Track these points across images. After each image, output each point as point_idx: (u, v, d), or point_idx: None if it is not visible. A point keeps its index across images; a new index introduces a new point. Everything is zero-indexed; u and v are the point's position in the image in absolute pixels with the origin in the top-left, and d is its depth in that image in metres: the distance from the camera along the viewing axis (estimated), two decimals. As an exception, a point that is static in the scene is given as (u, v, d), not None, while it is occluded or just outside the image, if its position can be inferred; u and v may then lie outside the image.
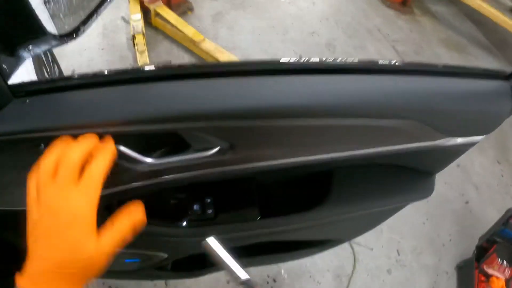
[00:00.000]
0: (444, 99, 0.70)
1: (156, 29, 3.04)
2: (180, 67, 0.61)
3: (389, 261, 2.22)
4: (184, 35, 2.85)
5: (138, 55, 2.68)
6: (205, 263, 1.22)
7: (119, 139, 0.59)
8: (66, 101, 0.57)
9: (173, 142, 0.64)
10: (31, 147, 0.59)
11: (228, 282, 1.96)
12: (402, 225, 2.36)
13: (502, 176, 2.84)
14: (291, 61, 0.63)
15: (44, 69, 1.57)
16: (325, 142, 0.73)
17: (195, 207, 0.89)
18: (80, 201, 0.49)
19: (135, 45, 2.74)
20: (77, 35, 0.57)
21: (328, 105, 0.62)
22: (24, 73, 1.21)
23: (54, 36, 0.53)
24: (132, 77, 0.59)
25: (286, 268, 2.04)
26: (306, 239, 1.16)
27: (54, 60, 1.86)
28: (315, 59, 0.64)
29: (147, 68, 0.60)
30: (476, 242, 2.36)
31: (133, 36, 2.76)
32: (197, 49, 2.84)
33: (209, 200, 0.90)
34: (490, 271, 2.19)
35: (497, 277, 2.19)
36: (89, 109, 0.56)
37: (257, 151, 0.69)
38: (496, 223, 2.18)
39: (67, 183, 0.49)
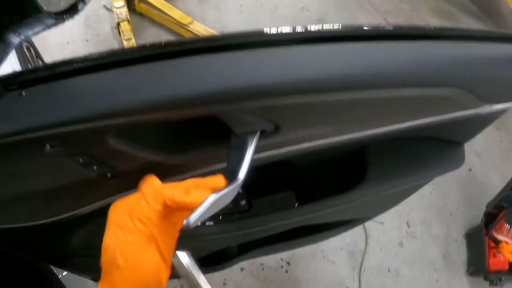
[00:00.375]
0: (488, 65, 0.66)
1: (141, 15, 2.92)
2: (216, 37, 0.52)
3: (400, 234, 2.21)
4: (171, 19, 2.74)
5: (125, 43, 2.58)
6: (223, 258, 1.17)
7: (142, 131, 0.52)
8: (75, 88, 0.47)
9: (203, 130, 0.58)
10: (34, 150, 0.50)
11: (224, 284, 1.92)
12: (410, 197, 2.34)
13: (502, 141, 2.84)
14: (335, 27, 0.56)
15: (28, 65, 1.47)
16: (370, 117, 0.67)
17: None
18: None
19: (121, 33, 2.62)
20: (76, 12, 0.46)
21: (381, 74, 0.56)
22: (10, 70, 1.12)
23: (49, 14, 0.42)
24: (158, 52, 0.48)
25: (299, 250, 2.01)
26: (338, 220, 1.11)
27: (38, 56, 1.76)
28: (360, 25, 0.58)
29: (177, 40, 0.51)
30: (482, 208, 2.36)
31: (118, 24, 2.65)
32: (186, 32, 2.74)
33: (241, 190, 0.83)
34: (499, 237, 2.20)
35: (506, 242, 2.20)
36: (108, 94, 0.46)
37: (301, 131, 0.62)
38: (503, 189, 2.18)
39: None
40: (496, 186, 2.55)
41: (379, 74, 0.55)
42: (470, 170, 2.61)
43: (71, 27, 2.80)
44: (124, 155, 0.53)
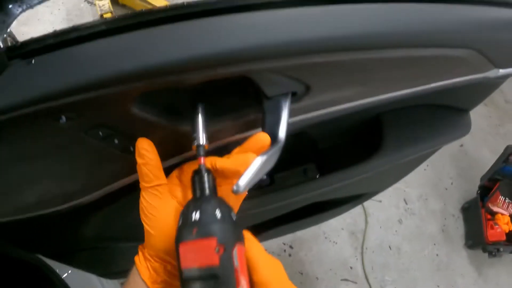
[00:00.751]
0: (503, 29, 0.67)
1: (124, 6, 2.85)
2: None
3: (398, 211, 2.23)
4: (156, 9, 2.70)
5: (110, 35, 2.52)
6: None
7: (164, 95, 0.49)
8: (95, 50, 0.43)
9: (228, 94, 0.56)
10: (48, 124, 0.46)
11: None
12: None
13: (490, 116, 2.88)
14: None
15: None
16: (392, 78, 0.67)
17: None
18: None
19: (105, 25, 2.57)
20: None
21: (405, 33, 0.55)
22: None
23: None
24: (182, 12, 0.45)
25: (301, 233, 2.01)
26: (352, 194, 1.10)
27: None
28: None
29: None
30: (475, 182, 2.40)
31: (101, 17, 2.59)
32: (171, 22, 2.70)
33: None
34: (495, 208, 2.24)
35: (502, 214, 2.24)
36: (133, 53, 0.42)
37: (330, 93, 0.61)
38: (496, 162, 2.21)
39: None
40: (487, 159, 2.59)
41: (403, 33, 0.54)
42: (461, 145, 2.64)
43: (52, 22, 2.73)
44: (149, 125, 0.51)
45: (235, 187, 0.42)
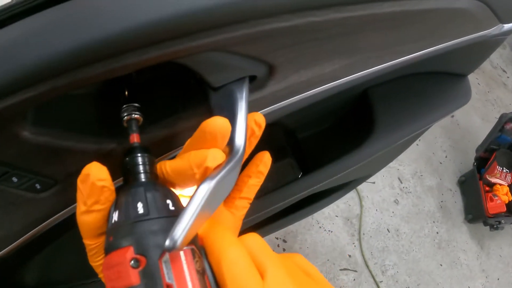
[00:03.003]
0: None
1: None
2: None
3: (393, 191, 2.12)
4: None
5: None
6: None
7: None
8: None
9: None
10: None
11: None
12: (398, 152, 2.26)
13: (479, 84, 2.78)
14: None
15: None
16: (381, 44, 0.52)
17: None
18: None
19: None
20: None
21: None
22: None
23: None
24: None
25: (294, 224, 1.89)
26: (344, 182, 0.97)
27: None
28: None
29: None
30: (470, 153, 2.31)
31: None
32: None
33: None
34: (493, 179, 2.15)
35: (500, 184, 2.15)
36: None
37: (302, 73, 0.45)
38: (492, 131, 2.11)
39: None
40: (479, 128, 2.50)
41: None
42: (452, 116, 2.54)
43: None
44: (52, 151, 0.35)
45: (167, 242, 0.26)
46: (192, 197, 0.28)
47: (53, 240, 0.51)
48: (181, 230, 0.27)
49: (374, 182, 2.11)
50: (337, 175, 0.70)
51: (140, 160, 0.32)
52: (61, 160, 0.35)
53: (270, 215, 0.78)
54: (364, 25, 0.43)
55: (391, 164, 2.24)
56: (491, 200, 2.07)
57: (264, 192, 0.67)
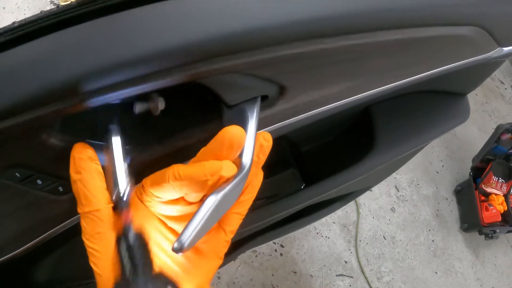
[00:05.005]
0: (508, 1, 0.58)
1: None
2: None
3: (390, 199, 2.16)
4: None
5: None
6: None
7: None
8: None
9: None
10: None
11: (218, 278, 1.82)
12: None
13: (477, 95, 2.82)
14: None
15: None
16: (387, 68, 0.56)
17: None
18: None
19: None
20: None
21: (404, 10, 0.44)
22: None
23: None
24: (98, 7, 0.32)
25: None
26: (344, 193, 1.00)
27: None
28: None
29: None
30: (466, 163, 2.34)
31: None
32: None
33: None
34: (488, 189, 2.18)
35: (496, 194, 2.19)
36: (39, 70, 0.30)
37: (311, 93, 0.49)
38: (488, 142, 2.15)
39: None
40: (476, 139, 2.54)
41: (401, 10, 0.44)
42: (450, 126, 2.58)
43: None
44: None
45: (175, 244, 0.31)
46: (201, 207, 0.32)
47: (68, 241, 0.55)
48: (188, 234, 0.31)
49: (371, 190, 2.15)
50: (337, 188, 0.73)
51: (135, 250, 0.34)
52: None
53: (273, 223, 0.82)
54: (369, 51, 0.46)
55: (388, 172, 2.28)
56: (487, 209, 2.10)
57: (268, 202, 0.70)
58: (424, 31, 0.48)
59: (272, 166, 0.72)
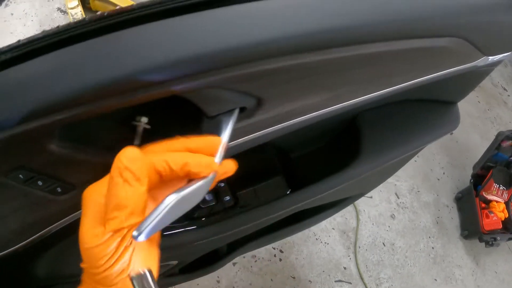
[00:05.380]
0: (490, 11, 0.59)
1: (97, 12, 2.77)
2: None
3: (390, 206, 2.16)
4: (129, 13, 2.61)
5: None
6: (215, 257, 1.07)
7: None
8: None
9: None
10: None
11: (218, 282, 1.84)
12: (396, 168, 2.30)
13: (479, 102, 2.82)
14: None
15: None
16: (366, 79, 0.57)
17: (207, 197, 0.71)
18: None
19: (78, 33, 2.48)
20: None
21: (381, 24, 0.45)
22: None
23: None
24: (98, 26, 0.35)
25: (291, 236, 1.94)
26: (333, 200, 1.02)
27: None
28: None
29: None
30: (468, 171, 2.34)
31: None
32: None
33: (222, 184, 0.71)
34: (489, 196, 2.18)
35: (497, 201, 2.18)
36: (41, 84, 0.34)
37: (289, 104, 0.51)
38: (489, 149, 2.15)
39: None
40: (478, 146, 2.54)
41: (377, 24, 0.45)
42: (451, 134, 2.58)
43: (25, 34, 2.64)
44: (73, 161, 0.43)
45: (135, 232, 0.34)
46: (160, 203, 0.35)
47: (66, 237, 0.58)
48: (146, 225, 0.34)
49: (371, 197, 2.16)
50: (322, 194, 0.75)
51: None
52: (80, 169, 0.42)
53: (260, 228, 0.84)
54: (349, 63, 0.48)
55: (388, 179, 2.28)
56: (487, 216, 2.10)
57: (253, 206, 0.72)
58: (404, 43, 0.49)
59: (258, 173, 0.74)
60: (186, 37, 0.34)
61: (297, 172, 0.81)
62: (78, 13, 2.51)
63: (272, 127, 0.52)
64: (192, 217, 0.70)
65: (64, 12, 2.76)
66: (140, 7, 0.35)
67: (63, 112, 0.34)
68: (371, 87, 0.59)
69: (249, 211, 0.71)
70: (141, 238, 0.34)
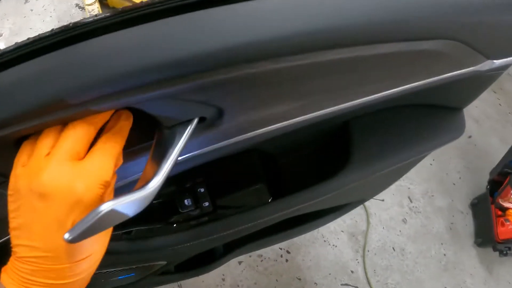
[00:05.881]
0: (488, 8, 0.54)
1: (114, 9, 2.80)
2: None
3: (402, 209, 2.12)
4: (146, 10, 2.62)
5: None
6: (212, 257, 1.06)
7: None
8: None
9: None
10: None
11: (223, 279, 1.84)
12: (410, 170, 2.25)
13: (500, 105, 2.73)
14: None
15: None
16: (343, 86, 0.53)
17: (186, 202, 0.69)
18: (81, 181, 0.38)
19: (96, 29, 2.51)
20: None
21: (358, 26, 0.41)
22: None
23: None
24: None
25: (298, 237, 1.92)
26: (326, 207, 0.99)
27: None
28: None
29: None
30: (485, 176, 2.26)
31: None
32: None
33: (202, 190, 0.70)
34: (506, 204, 2.10)
35: (513, 209, 2.11)
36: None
37: (255, 113, 0.49)
38: (506, 155, 2.08)
39: (67, 158, 0.38)
40: (497, 150, 2.46)
41: (350, 27, 0.40)
42: (469, 137, 2.51)
43: (44, 29, 2.69)
44: None
45: (66, 235, 0.35)
46: (92, 210, 0.36)
47: None
48: (77, 229, 0.35)
49: (383, 200, 2.12)
50: (305, 204, 0.73)
51: None
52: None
53: (242, 235, 0.82)
54: (309, 72, 0.44)
55: (401, 182, 2.24)
56: (502, 225, 2.03)
57: (230, 214, 0.71)
58: (374, 48, 0.45)
59: (239, 180, 0.72)
60: (137, 50, 0.33)
61: (283, 179, 0.79)
62: (95, 10, 2.55)
63: (240, 135, 0.51)
64: (169, 221, 0.70)
65: (82, 8, 2.80)
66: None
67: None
68: (353, 94, 0.55)
69: (227, 218, 0.70)
70: (74, 241, 0.35)
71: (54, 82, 0.33)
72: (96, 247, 0.43)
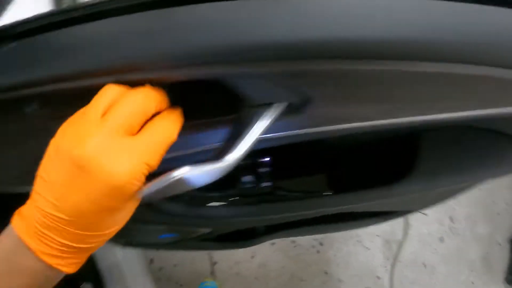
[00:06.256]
0: None
1: None
2: None
3: (442, 228, 2.06)
4: None
5: None
6: (253, 234, 1.05)
7: None
8: (68, 40, 0.39)
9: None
10: (19, 110, 0.44)
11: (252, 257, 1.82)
12: (459, 191, 2.18)
13: None
14: None
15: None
16: (433, 98, 0.52)
17: (248, 178, 0.70)
18: (126, 166, 0.35)
19: None
20: None
21: (460, 43, 0.40)
22: None
23: None
24: None
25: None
26: (376, 210, 0.97)
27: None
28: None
29: None
30: (532, 212, 2.19)
31: None
32: None
33: (265, 169, 0.70)
34: (548, 247, 2.04)
35: (554, 254, 2.04)
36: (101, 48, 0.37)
37: (339, 109, 0.48)
38: None
39: (118, 131, 0.36)
40: (552, 190, 2.36)
41: (452, 42, 0.39)
42: (525, 169, 2.40)
43: None
44: None
45: (138, 194, 0.37)
46: (170, 171, 0.38)
47: None
48: (148, 190, 0.37)
49: (426, 214, 2.06)
50: (365, 203, 0.72)
51: None
52: None
53: (291, 221, 0.82)
54: (405, 79, 0.44)
55: (448, 201, 2.16)
56: (538, 268, 1.97)
57: (287, 198, 0.72)
58: (470, 68, 0.43)
59: (304, 168, 0.73)
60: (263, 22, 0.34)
61: (344, 176, 0.78)
62: None
63: (320, 127, 0.50)
64: (227, 193, 0.71)
65: None
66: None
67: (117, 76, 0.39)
68: (440, 109, 0.54)
69: (287, 202, 0.69)
70: (145, 199, 0.37)
71: (166, 39, 0.35)
72: (124, 221, 0.41)
